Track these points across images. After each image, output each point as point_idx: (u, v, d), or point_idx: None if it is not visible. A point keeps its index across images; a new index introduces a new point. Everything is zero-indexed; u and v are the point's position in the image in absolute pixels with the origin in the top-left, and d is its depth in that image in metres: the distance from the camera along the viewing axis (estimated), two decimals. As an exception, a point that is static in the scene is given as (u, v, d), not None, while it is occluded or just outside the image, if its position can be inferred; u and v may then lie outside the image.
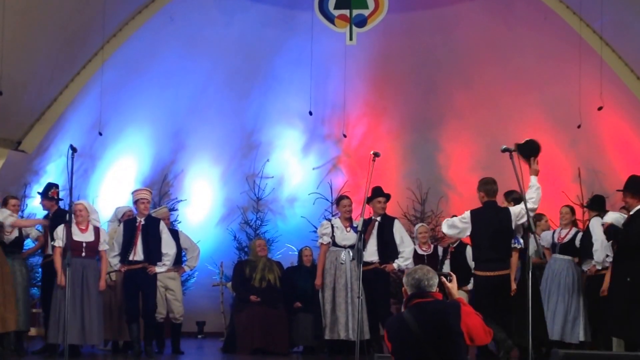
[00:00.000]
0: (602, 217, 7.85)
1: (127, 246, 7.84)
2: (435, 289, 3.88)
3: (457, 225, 6.72)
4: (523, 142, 6.66)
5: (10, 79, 8.77)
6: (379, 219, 8.04)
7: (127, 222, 8.05)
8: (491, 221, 6.61)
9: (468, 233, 6.73)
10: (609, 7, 9.33)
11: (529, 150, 6.61)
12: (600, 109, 9.36)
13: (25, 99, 9.61)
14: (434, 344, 3.71)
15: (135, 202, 8.06)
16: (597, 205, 8.03)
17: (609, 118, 9.95)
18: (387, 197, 8.16)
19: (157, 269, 7.88)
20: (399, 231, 7.98)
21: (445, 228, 6.86)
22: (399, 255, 7.93)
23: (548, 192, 10.19)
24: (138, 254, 7.80)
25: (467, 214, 6.69)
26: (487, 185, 6.78)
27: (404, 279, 3.96)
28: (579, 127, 9.58)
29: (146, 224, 7.89)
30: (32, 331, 8.86)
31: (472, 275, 7.03)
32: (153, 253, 7.84)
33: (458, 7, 10.60)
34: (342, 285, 7.80)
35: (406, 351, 3.75)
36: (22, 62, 9.12)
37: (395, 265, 7.85)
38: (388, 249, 7.86)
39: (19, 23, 8.72)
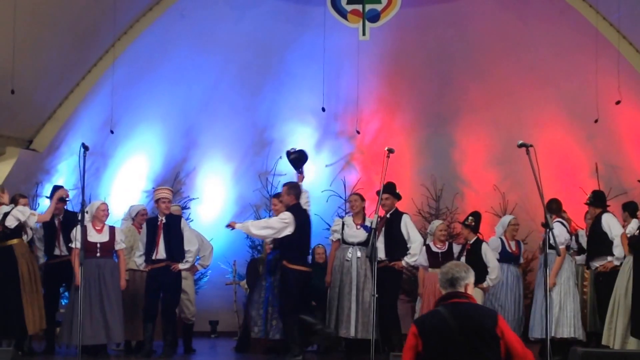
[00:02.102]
0: (609, 213, 7.79)
1: (150, 245, 7.87)
2: (466, 282, 3.82)
3: (273, 226, 7.23)
4: (294, 152, 7.64)
5: (22, 77, 8.76)
6: (388, 215, 7.94)
7: (149, 221, 8.10)
8: (302, 222, 7.33)
9: (285, 233, 7.17)
10: (625, -1, 9.21)
11: (299, 161, 7.58)
12: (618, 103, 9.24)
13: (37, 98, 9.59)
14: (470, 342, 3.65)
15: (157, 201, 8.07)
16: (600, 201, 7.96)
17: (627, 112, 9.81)
18: (393, 194, 8.00)
19: (181, 266, 7.88)
20: (406, 226, 7.88)
21: (255, 229, 7.26)
22: (407, 252, 7.84)
23: (565, 187, 10.13)
24: (160, 252, 7.82)
25: (288, 214, 7.23)
26: (297, 190, 7.48)
27: (439, 276, 3.91)
28: (596, 121, 9.45)
29: (167, 222, 7.88)
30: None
31: (291, 270, 7.29)
32: (175, 251, 7.84)
33: (472, 0, 10.48)
34: (346, 283, 7.73)
35: (444, 347, 3.65)
36: (34, 61, 9.11)
37: (403, 262, 7.74)
38: (395, 246, 7.74)
39: (30, 22, 8.70)
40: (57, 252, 8.13)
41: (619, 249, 7.51)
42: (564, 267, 7.84)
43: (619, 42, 9.52)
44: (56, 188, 8.40)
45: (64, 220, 8.15)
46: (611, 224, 7.63)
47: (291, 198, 7.43)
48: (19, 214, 7.67)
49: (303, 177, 7.77)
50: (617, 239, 7.52)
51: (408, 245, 7.88)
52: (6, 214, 7.63)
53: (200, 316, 9.34)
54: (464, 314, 3.71)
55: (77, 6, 9.21)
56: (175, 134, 11.10)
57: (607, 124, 9.92)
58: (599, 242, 7.70)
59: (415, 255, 7.77)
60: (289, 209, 7.36)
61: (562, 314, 7.73)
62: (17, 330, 7.55)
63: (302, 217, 7.41)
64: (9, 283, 7.55)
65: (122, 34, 10.10)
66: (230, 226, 7.56)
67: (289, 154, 7.89)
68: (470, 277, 3.86)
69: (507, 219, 8.57)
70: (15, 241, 7.68)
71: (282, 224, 7.20)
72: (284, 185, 7.61)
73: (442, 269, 3.87)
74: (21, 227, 7.71)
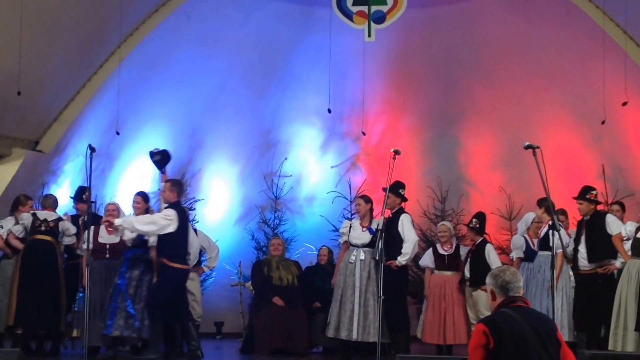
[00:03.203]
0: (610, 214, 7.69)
1: None
2: (522, 290, 3.88)
3: (158, 222, 7.13)
4: (157, 152, 7.68)
5: (28, 79, 8.77)
6: (391, 215, 7.92)
7: None
8: (183, 220, 7.32)
9: (168, 230, 7.12)
10: (633, 0, 9.16)
11: (163, 161, 7.61)
12: (624, 104, 9.21)
13: (43, 99, 9.61)
14: (544, 345, 3.68)
15: None
16: (596, 197, 7.77)
17: (634, 113, 9.78)
18: (394, 193, 7.92)
19: None
20: (402, 225, 7.82)
21: (139, 225, 7.15)
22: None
23: (571, 189, 10.07)
24: None
25: (172, 212, 7.18)
26: (180, 187, 7.50)
27: (488, 280, 3.88)
28: (603, 122, 9.41)
29: None
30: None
31: (171, 268, 7.25)
32: None
33: (478, 2, 10.48)
34: (349, 285, 7.72)
35: (521, 347, 3.66)
36: (40, 62, 9.12)
37: (397, 261, 7.71)
38: (392, 245, 7.70)
39: (36, 23, 8.71)
40: (79, 252, 8.15)
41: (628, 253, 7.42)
42: (563, 268, 7.73)
43: (625, 43, 9.50)
44: (81, 189, 8.41)
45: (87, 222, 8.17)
46: (619, 227, 7.52)
47: (174, 195, 7.35)
48: (69, 227, 7.96)
49: (166, 177, 7.72)
50: (628, 242, 7.41)
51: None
52: (60, 219, 7.93)
53: (205, 317, 9.35)
54: (533, 317, 3.76)
55: (83, 8, 9.22)
56: (180, 135, 11.11)
57: (614, 126, 9.89)
58: (602, 244, 7.53)
59: (407, 254, 7.71)
60: (171, 206, 7.29)
61: (565, 316, 7.63)
62: (53, 326, 7.69)
63: (184, 215, 7.38)
64: (51, 278, 7.68)
65: (128, 35, 10.11)
66: (108, 222, 7.44)
67: (152, 154, 7.83)
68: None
69: (530, 216, 8.32)
70: (54, 240, 7.84)
71: (166, 221, 7.12)
72: (167, 181, 7.51)
73: (503, 277, 3.85)
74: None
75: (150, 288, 7.39)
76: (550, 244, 7.43)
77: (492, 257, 7.99)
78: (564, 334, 7.53)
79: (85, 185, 8.68)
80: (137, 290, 7.38)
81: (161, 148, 7.98)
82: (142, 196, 7.63)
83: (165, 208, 7.34)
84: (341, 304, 7.70)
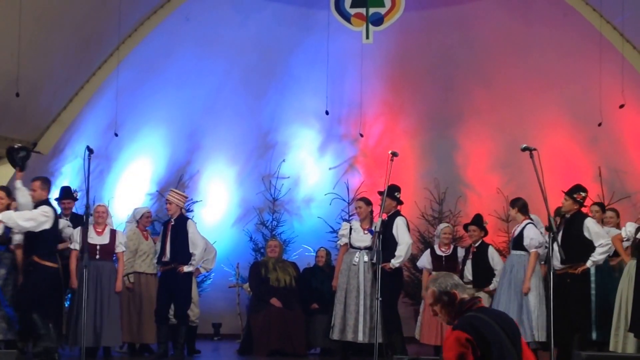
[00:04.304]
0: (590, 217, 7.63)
1: (161, 247, 7.92)
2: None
3: (37, 218, 7.20)
4: (20, 149, 7.65)
5: (27, 80, 8.78)
6: (386, 218, 7.93)
7: (164, 224, 8.16)
8: (56, 217, 7.44)
9: (44, 227, 7.21)
10: (629, 3, 9.21)
11: (26, 157, 7.63)
12: (621, 106, 9.23)
13: (42, 100, 9.62)
14: (516, 345, 3.67)
15: None
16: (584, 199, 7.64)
17: (631, 116, 9.81)
18: (389, 196, 7.88)
19: (186, 268, 7.84)
20: (397, 228, 7.82)
21: (21, 221, 7.19)
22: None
23: (568, 191, 10.08)
24: (167, 254, 7.84)
25: (49, 209, 7.31)
26: (50, 185, 7.59)
27: (441, 285, 3.89)
28: (599, 125, 9.45)
29: (175, 224, 7.90)
30: None
31: (43, 267, 7.25)
32: (179, 253, 7.83)
33: (476, 4, 10.50)
34: (353, 287, 7.73)
35: (502, 352, 3.62)
36: (39, 64, 9.13)
37: (390, 264, 7.72)
38: (387, 247, 7.71)
39: (35, 25, 8.72)
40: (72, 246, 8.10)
41: (603, 257, 7.34)
42: (537, 269, 7.56)
43: (622, 45, 9.53)
44: (64, 189, 8.40)
45: (71, 221, 8.14)
46: (598, 231, 7.37)
47: (45, 193, 7.40)
48: (67, 229, 7.90)
49: (22, 175, 7.64)
50: (606, 247, 7.32)
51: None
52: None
53: (203, 318, 9.35)
54: (500, 318, 3.74)
55: (82, 9, 9.24)
56: (179, 136, 11.12)
57: (611, 128, 9.92)
58: (579, 248, 7.33)
59: (400, 257, 7.72)
60: (43, 203, 7.30)
61: (542, 318, 7.53)
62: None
63: (55, 213, 7.43)
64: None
65: (126, 37, 10.13)
66: None
67: (13, 149, 7.71)
68: None
69: (535, 218, 8.29)
70: None
71: (44, 218, 7.17)
72: (36, 179, 7.46)
73: (454, 278, 3.89)
74: None
75: (16, 288, 7.24)
76: (525, 243, 7.51)
77: (496, 258, 8.00)
78: (539, 335, 7.45)
79: (69, 185, 8.74)
80: (11, 290, 7.21)
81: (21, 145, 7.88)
82: (5, 191, 7.49)
83: (39, 206, 7.27)
84: (345, 306, 7.71)
